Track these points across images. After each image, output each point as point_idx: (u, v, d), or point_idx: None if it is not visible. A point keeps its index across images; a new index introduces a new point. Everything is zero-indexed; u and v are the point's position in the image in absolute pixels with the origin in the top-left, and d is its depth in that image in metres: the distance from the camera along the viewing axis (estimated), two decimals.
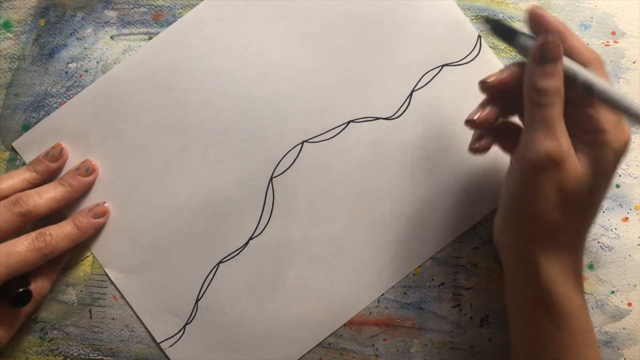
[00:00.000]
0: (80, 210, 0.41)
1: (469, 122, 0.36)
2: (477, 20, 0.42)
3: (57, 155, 0.40)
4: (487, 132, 0.37)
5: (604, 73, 0.34)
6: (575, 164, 0.32)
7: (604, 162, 0.33)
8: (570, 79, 0.32)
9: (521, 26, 0.36)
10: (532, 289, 0.34)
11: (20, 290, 0.37)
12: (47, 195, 0.39)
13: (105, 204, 0.41)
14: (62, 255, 0.40)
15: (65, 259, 0.40)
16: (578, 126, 0.33)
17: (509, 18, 0.42)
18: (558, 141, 0.32)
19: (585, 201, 0.33)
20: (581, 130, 0.33)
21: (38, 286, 0.39)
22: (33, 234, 0.38)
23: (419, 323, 0.41)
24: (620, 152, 0.33)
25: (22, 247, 0.37)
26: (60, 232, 0.38)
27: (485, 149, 0.37)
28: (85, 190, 0.41)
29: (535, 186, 0.33)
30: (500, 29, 0.36)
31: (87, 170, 0.40)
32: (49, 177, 0.41)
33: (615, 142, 0.33)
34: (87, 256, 0.41)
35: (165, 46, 0.41)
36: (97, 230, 0.41)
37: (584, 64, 0.33)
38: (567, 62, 0.33)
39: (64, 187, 0.40)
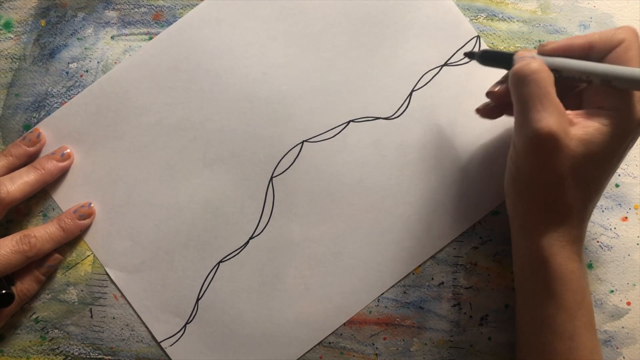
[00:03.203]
0: (66, 211, 0.40)
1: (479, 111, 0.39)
2: (476, 20, 0.42)
3: (34, 140, 0.40)
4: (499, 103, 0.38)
5: (634, 51, 0.32)
6: (569, 140, 0.32)
7: (610, 138, 0.33)
8: (557, 71, 0.33)
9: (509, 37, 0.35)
10: (529, 256, 0.35)
11: (3, 292, 0.37)
12: (20, 181, 0.38)
13: (91, 205, 0.40)
14: (53, 263, 0.40)
15: (56, 266, 0.40)
16: (593, 104, 0.34)
17: (508, 18, 0.42)
18: (545, 120, 0.32)
19: (583, 177, 0.33)
20: (597, 108, 0.34)
21: (24, 287, 0.39)
22: (17, 236, 0.37)
23: (418, 322, 0.41)
24: (629, 131, 0.33)
25: (6, 249, 0.36)
26: (45, 234, 0.38)
27: (491, 116, 0.39)
28: (60, 176, 0.40)
29: (529, 164, 0.34)
30: (490, 58, 0.36)
31: (63, 155, 0.40)
32: (26, 161, 0.40)
33: (624, 121, 0.33)
34: (88, 255, 0.41)
35: (166, 46, 0.41)
36: (102, 232, 0.40)
37: (607, 50, 0.33)
38: (557, 60, 0.33)
39: (38, 171, 0.39)
